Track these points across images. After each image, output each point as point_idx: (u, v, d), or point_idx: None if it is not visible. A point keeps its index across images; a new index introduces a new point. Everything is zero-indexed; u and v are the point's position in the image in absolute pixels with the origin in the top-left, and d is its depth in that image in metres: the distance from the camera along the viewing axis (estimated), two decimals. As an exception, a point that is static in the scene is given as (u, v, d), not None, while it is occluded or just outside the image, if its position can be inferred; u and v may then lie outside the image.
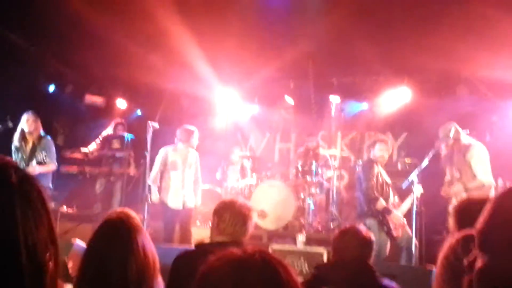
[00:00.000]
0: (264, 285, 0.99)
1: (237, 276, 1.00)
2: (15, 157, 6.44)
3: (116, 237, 1.97)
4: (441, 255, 1.57)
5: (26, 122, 6.44)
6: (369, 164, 6.09)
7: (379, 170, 6.02)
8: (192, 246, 3.36)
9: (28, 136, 6.48)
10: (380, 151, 6.08)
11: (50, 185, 6.60)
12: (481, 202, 1.94)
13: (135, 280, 1.86)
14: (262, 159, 9.37)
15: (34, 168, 6.22)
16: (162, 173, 6.81)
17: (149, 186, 6.74)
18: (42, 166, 6.38)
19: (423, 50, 6.90)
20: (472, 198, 3.28)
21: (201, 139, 7.10)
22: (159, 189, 6.81)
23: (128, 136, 9.04)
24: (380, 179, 5.97)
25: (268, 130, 10.33)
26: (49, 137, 6.68)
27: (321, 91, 9.43)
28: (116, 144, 8.92)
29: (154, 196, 6.72)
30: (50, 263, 0.86)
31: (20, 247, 0.80)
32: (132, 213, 3.05)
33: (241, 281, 0.99)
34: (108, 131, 8.98)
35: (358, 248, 2.94)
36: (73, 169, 8.22)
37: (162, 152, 6.85)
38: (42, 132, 6.59)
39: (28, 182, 0.88)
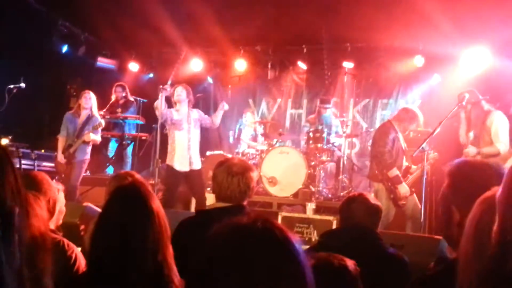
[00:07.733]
0: (263, 251, 1.05)
1: (238, 241, 1.07)
2: (67, 126, 7.02)
3: (134, 204, 1.93)
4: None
5: (84, 98, 7.05)
6: (387, 127, 5.79)
7: (396, 135, 5.70)
8: None
9: (82, 111, 7.05)
10: (410, 126, 5.81)
11: (88, 156, 7.03)
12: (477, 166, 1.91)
13: (152, 248, 1.85)
14: (273, 125, 9.32)
15: (88, 136, 6.86)
16: (167, 134, 6.52)
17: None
18: (93, 136, 6.93)
19: (438, 17, 6.77)
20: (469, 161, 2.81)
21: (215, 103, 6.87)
22: (166, 153, 6.56)
23: (139, 100, 9.03)
24: (396, 144, 5.66)
25: (280, 95, 10.25)
26: (98, 115, 7.19)
27: (334, 56, 9.31)
28: (124, 108, 8.87)
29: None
30: (17, 215, 1.05)
31: None
32: (139, 177, 3.07)
33: (241, 246, 1.06)
34: (117, 95, 8.94)
35: (365, 216, 2.92)
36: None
37: (167, 111, 6.46)
38: (94, 110, 7.13)
39: None
